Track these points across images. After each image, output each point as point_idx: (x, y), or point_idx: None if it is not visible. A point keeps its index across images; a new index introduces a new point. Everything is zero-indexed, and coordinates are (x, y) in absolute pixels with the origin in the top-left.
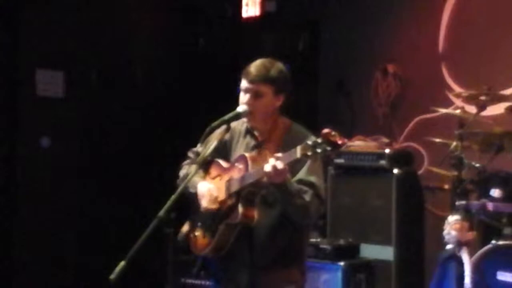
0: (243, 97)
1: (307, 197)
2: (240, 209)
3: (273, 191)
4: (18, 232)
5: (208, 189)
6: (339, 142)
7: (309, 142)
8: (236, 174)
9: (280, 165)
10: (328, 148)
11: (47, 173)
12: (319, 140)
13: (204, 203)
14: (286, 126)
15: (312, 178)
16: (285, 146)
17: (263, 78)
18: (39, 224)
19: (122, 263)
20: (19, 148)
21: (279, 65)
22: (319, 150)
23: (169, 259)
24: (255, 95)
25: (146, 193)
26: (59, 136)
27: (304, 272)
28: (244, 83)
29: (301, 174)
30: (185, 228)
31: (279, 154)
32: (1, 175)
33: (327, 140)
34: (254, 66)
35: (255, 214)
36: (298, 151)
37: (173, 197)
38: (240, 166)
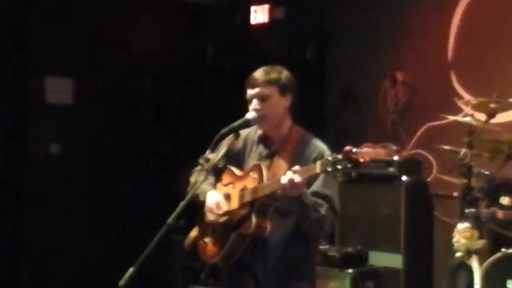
0: (251, 105)
1: (323, 211)
2: (254, 220)
3: (287, 203)
4: (26, 238)
5: (216, 202)
6: (361, 160)
7: (330, 158)
8: (250, 183)
9: (297, 178)
10: (349, 166)
11: (56, 179)
12: (340, 157)
13: (210, 216)
14: (299, 136)
15: (327, 191)
16: (298, 156)
17: (265, 80)
18: (48, 229)
19: (131, 270)
20: (28, 155)
21: (279, 68)
22: (339, 167)
23: (177, 266)
24: (261, 98)
25: (155, 199)
26: (68, 143)
27: (314, 284)
28: (248, 91)
29: (316, 186)
30: (194, 233)
31: (297, 167)
32: (11, 181)
33: (348, 157)
34: (255, 73)
35: (268, 225)
36: (318, 166)
37: (182, 203)
38: (255, 175)
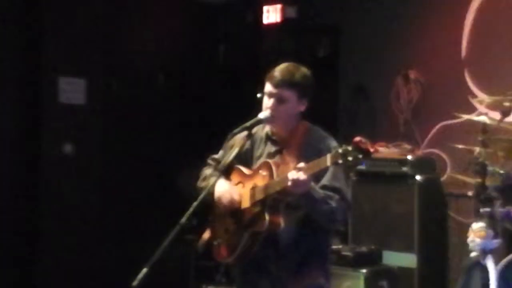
0: (267, 102)
1: (333, 203)
2: (267, 217)
3: (297, 199)
4: (42, 238)
5: (228, 190)
6: (371, 150)
7: (340, 150)
8: (260, 181)
9: (302, 176)
10: (360, 156)
11: (70, 179)
12: (350, 148)
13: (225, 201)
14: (305, 129)
15: (337, 183)
16: (305, 149)
17: (288, 83)
18: (63, 229)
19: (145, 270)
20: (42, 155)
21: (304, 70)
22: (350, 158)
23: (191, 266)
24: (279, 100)
25: (167, 199)
26: (81, 143)
27: (329, 276)
28: (268, 87)
29: (325, 179)
30: (206, 235)
31: (302, 164)
32: (25, 181)
33: (358, 147)
34: (279, 70)
35: (281, 221)
36: (328, 159)
37: (194, 203)
38: (264, 173)
